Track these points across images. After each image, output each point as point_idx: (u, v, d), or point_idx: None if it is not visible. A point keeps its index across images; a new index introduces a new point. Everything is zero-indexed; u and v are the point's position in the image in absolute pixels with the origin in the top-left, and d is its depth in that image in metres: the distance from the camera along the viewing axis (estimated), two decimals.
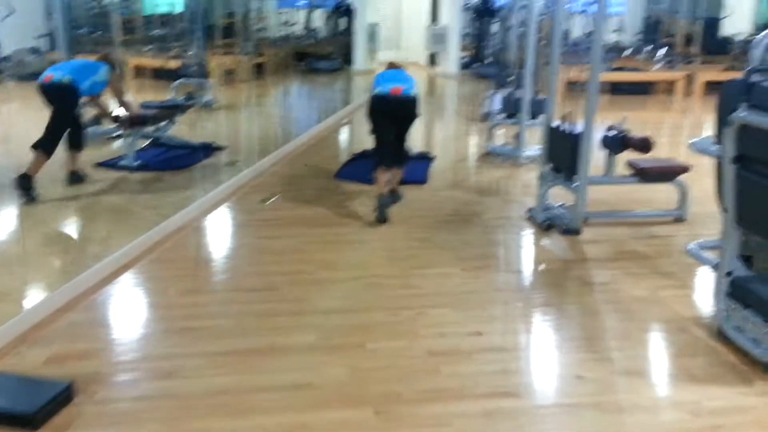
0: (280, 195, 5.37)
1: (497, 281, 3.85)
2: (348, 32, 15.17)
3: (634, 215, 4.88)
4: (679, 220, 4.84)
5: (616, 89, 12.00)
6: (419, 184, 5.93)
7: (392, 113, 5.09)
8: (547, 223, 4.63)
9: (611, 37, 14.94)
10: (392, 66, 5.66)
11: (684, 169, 4.74)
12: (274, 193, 5.40)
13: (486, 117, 8.91)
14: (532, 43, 6.32)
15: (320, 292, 3.68)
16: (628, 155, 4.81)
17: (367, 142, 7.90)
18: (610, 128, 4.81)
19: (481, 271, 3.96)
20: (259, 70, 12.79)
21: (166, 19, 13.27)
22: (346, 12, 14.93)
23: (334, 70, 14.24)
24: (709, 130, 9.35)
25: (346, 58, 14.83)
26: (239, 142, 7.17)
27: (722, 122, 3.14)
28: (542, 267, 4.05)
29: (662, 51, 12.76)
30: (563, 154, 4.65)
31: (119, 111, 5.99)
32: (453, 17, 13.78)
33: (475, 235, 4.60)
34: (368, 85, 13.06)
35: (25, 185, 5.00)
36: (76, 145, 5.60)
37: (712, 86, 11.65)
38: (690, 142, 3.32)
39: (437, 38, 14.31)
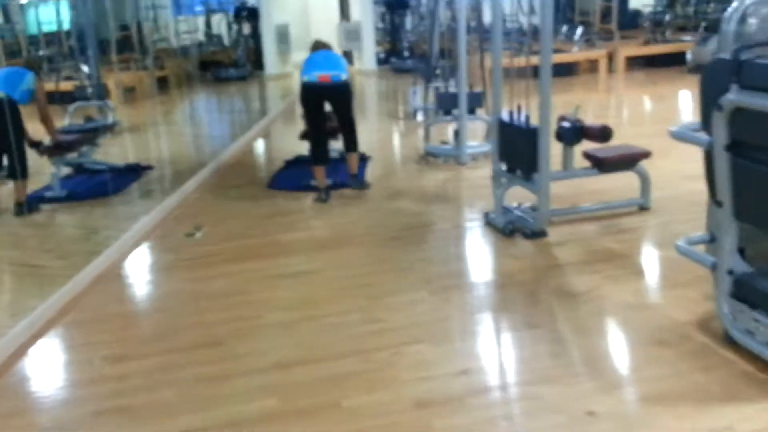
0: (204, 227, 4.77)
1: (471, 302, 3.43)
2: (254, 36, 14.46)
3: (597, 209, 4.57)
4: (643, 208, 4.56)
5: (538, 73, 11.90)
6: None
7: (324, 100, 5.18)
8: (509, 228, 4.25)
9: (524, 20, 14.89)
10: (319, 46, 5.51)
11: (644, 155, 4.46)
12: (200, 224, 4.79)
13: (414, 114, 8.54)
14: (461, 32, 5.94)
15: (273, 341, 3.15)
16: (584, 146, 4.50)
17: (298, 148, 7.41)
18: (562, 119, 4.48)
19: (450, 293, 3.53)
20: (162, 84, 11.94)
21: (53, 37, 12.21)
22: (250, 15, 14.22)
23: (243, 77, 13.51)
24: (638, 106, 9.39)
25: (256, 63, 14.12)
26: (152, 169, 6.48)
27: (709, 106, 2.81)
28: (516, 279, 3.65)
29: (579, 30, 12.75)
30: (518, 151, 4.27)
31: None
32: (364, 12, 13.33)
33: (434, 250, 4.17)
34: (283, 91, 12.50)
35: None
36: (22, 171, 5.08)
37: (632, 61, 11.75)
38: (670, 129, 2.99)
39: (350, 35, 13.83)
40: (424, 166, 6.20)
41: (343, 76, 5.16)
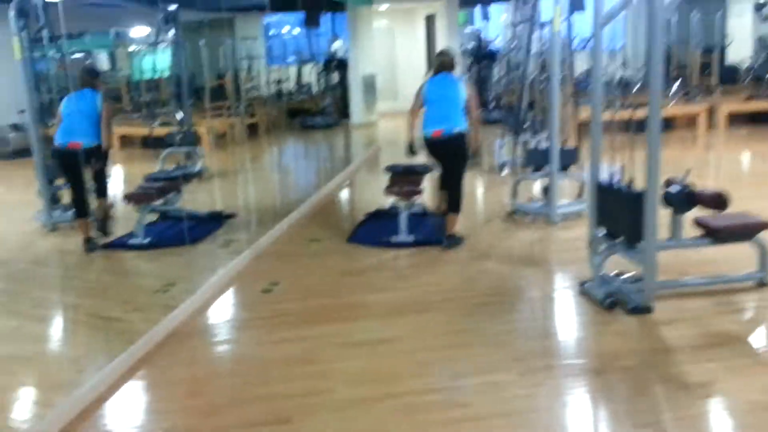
0: (281, 282, 4.59)
1: (568, 390, 3.04)
2: (342, 85, 14.61)
3: (709, 282, 4.10)
4: (762, 284, 4.06)
5: (635, 128, 11.39)
6: (437, 245, 5.21)
7: (439, 154, 5.17)
8: (609, 301, 3.84)
9: (617, 73, 14.41)
10: (441, 66, 5.19)
11: (764, 226, 3.98)
12: (277, 280, 4.61)
13: (500, 168, 8.23)
14: (554, 83, 5.63)
15: (345, 421, 2.87)
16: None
17: (379, 199, 7.23)
18: (669, 183, 4.07)
19: (543, 375, 3.16)
20: (252, 130, 12.15)
21: (153, 84, 12.70)
22: (339, 65, 14.40)
23: (330, 125, 13.62)
24: (743, 165, 8.73)
25: (342, 112, 14.23)
26: (235, 217, 6.43)
27: None
28: (618, 364, 3.24)
29: (676, 84, 12.18)
30: (620, 217, 3.89)
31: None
32: None
33: (523, 321, 3.81)
34: (367, 140, 12.48)
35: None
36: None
37: (733, 118, 11.06)
38: None
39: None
40: (512, 225, 5.86)
41: (456, 129, 4.99)
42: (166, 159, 8.30)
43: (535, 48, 16.42)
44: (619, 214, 3.90)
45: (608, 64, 9.34)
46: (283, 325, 3.88)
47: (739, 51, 13.92)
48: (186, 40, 10.27)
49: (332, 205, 7.02)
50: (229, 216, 6.37)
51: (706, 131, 10.75)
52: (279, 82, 15.08)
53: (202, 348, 3.74)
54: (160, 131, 9.91)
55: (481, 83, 14.03)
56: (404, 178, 5.61)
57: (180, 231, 5.78)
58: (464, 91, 5.14)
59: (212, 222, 6.19)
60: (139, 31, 11.95)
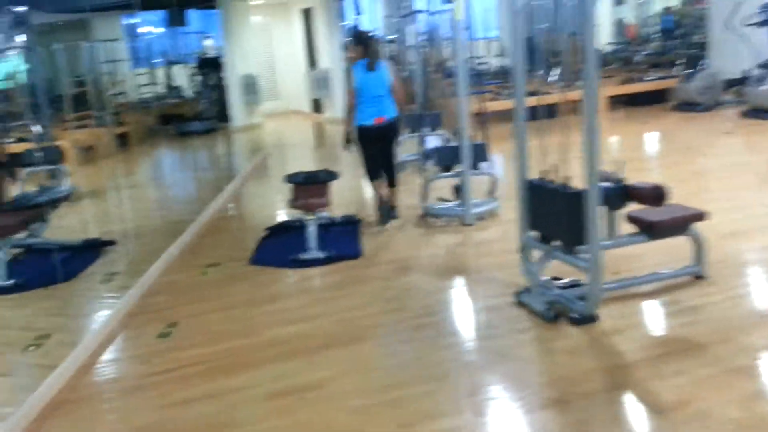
0: (178, 322, 3.95)
1: (533, 428, 2.67)
2: (218, 87, 13.77)
3: (647, 281, 3.88)
4: (699, 277, 3.90)
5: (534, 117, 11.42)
6: (352, 258, 4.77)
7: (378, 139, 5.38)
8: (552, 313, 3.53)
9: (493, 62, 14.51)
10: (366, 54, 5.29)
11: (699, 216, 3.81)
12: (174, 320, 3.96)
13: (400, 167, 7.86)
14: (462, 76, 5.29)
15: None
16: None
17: (276, 211, 6.63)
18: (601, 178, 3.81)
19: (502, 413, 2.77)
20: (122, 141, 11.12)
21: (2, 95, 11.32)
22: (213, 65, 13.54)
23: (208, 130, 12.77)
24: (637, 147, 8.83)
25: (221, 115, 13.40)
26: (114, 244, 5.64)
27: None
28: (582, 389, 2.90)
29: (556, 71, 12.36)
30: (557, 219, 3.58)
31: None
32: (333, 59, 12.74)
33: (466, 344, 3.41)
34: (253, 145, 11.75)
35: None
36: None
37: (612, 101, 11.34)
38: None
39: (319, 83, 13.22)
40: (426, 229, 5.48)
41: (394, 114, 5.38)
42: (26, 181, 7.28)
43: (411, 40, 16.21)
44: (556, 215, 3.59)
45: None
46: (189, 378, 3.27)
47: (599, 35, 14.33)
48: (39, 45, 9.19)
49: (225, 222, 6.35)
50: (107, 243, 5.58)
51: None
52: (147, 86, 14.00)
53: (90, 420, 3.06)
54: (15, 148, 8.75)
55: None
56: (308, 189, 5.09)
57: (50, 266, 4.97)
58: (390, 74, 5.38)
59: (88, 252, 5.39)
60: None
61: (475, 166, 5.49)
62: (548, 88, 11.68)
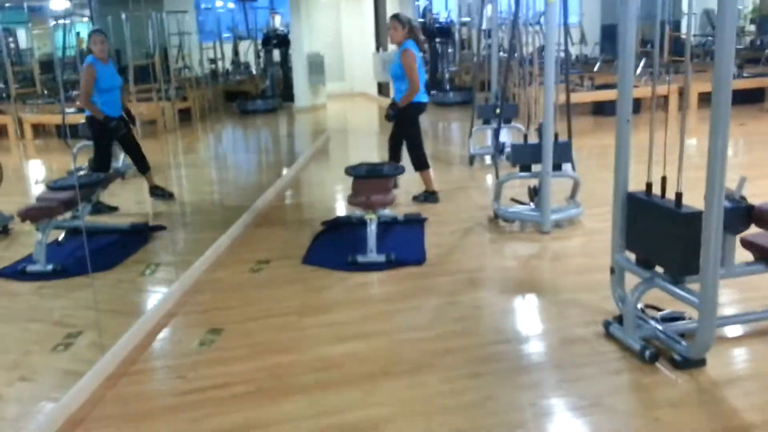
0: (222, 330, 3.57)
1: None
2: (284, 64, 13.43)
3: (761, 317, 3.29)
4: None
5: (597, 110, 10.72)
6: (415, 264, 4.31)
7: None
8: (650, 352, 2.99)
9: (572, 51, 13.72)
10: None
11: None
12: (217, 326, 3.59)
13: (471, 160, 7.34)
14: (549, 61, 4.71)
15: None
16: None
17: (334, 203, 6.22)
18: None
19: None
20: (184, 116, 10.89)
21: (70, 63, 11.24)
22: (280, 42, 13.18)
23: (271, 109, 12.45)
24: (743, 153, 8.04)
25: (285, 94, 13.07)
26: (164, 229, 5.32)
27: None
28: None
29: (642, 62, 11.52)
30: (664, 242, 3.03)
31: None
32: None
33: (547, 385, 2.90)
34: (315, 127, 11.37)
35: None
36: None
37: (704, 98, 10.49)
38: None
39: (386, 66, 12.70)
40: (497, 234, 4.97)
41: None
42: (79, 154, 7.09)
43: (485, 23, 15.52)
44: (663, 237, 3.03)
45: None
46: (227, 401, 2.87)
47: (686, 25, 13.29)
48: (107, 14, 9.00)
49: (280, 212, 5.96)
50: (156, 228, 5.28)
51: (677, 113, 10.15)
52: (213, 61, 13.78)
53: None
54: (74, 118, 8.60)
55: (435, 62, 13.10)
56: (370, 183, 4.63)
57: (93, 253, 4.67)
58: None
59: (134, 238, 5.10)
60: (58, 4, 10.53)
61: (556, 167, 4.92)
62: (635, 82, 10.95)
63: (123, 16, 10.96)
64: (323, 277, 4.24)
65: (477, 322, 3.51)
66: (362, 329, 3.48)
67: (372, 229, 4.42)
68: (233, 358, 3.23)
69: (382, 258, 4.35)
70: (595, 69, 12.55)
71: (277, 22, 13.68)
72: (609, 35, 14.41)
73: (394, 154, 5.80)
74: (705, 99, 10.50)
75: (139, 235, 5.13)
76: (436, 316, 3.60)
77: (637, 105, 10.37)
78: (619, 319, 3.27)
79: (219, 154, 9.46)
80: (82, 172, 7.10)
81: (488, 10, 16.26)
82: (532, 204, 5.15)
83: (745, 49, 13.43)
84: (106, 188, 5.39)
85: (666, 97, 10.43)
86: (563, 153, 4.94)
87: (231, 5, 15.48)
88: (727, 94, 2.65)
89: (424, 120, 11.35)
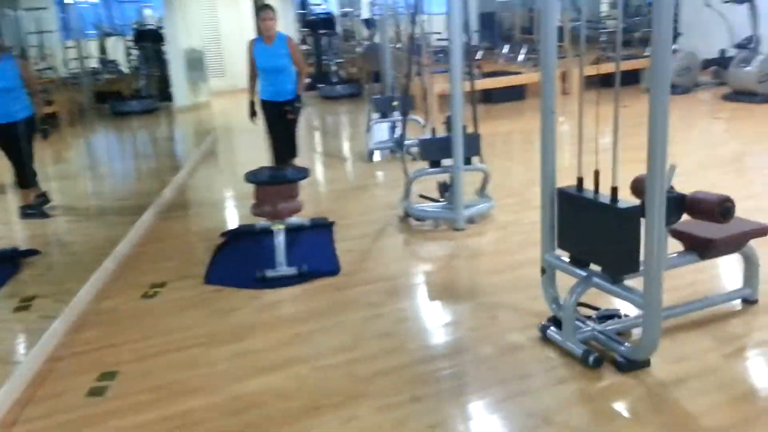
0: (118, 372, 3.09)
1: None
2: (159, 61, 12.57)
3: (692, 308, 3.23)
4: (748, 301, 3.28)
5: (486, 98, 10.76)
6: (329, 275, 3.99)
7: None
8: (593, 357, 2.83)
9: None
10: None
11: (763, 232, 3.16)
12: (111, 368, 3.11)
13: (371, 155, 7.07)
14: (456, 54, 4.50)
15: None
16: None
17: (233, 209, 5.77)
18: (638, 182, 3.12)
19: None
20: (51, 121, 9.91)
21: None
22: (153, 37, 12.31)
23: (148, 110, 11.61)
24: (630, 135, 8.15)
25: (162, 93, 12.23)
26: (37, 254, 4.68)
27: None
28: None
29: (523, 49, 11.70)
30: (598, 239, 2.87)
31: None
32: (285, 32, 11.69)
33: (492, 406, 2.67)
34: (198, 128, 10.70)
35: None
36: None
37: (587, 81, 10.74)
38: None
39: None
40: (410, 235, 4.73)
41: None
42: None
43: (366, 12, 15.23)
44: (598, 235, 2.87)
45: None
46: None
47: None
48: None
49: (171, 225, 5.40)
50: (27, 253, 4.63)
51: (562, 97, 10.35)
52: (80, 60, 12.69)
53: None
54: None
55: (319, 55, 12.72)
56: (274, 190, 4.24)
57: None
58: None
59: (3, 265, 4.43)
60: None
61: (466, 161, 4.74)
62: (516, 68, 11.07)
63: None
64: (230, 298, 3.82)
65: (405, 337, 3.24)
66: (280, 357, 3.12)
67: (280, 240, 4.04)
68: (132, 408, 2.78)
69: (293, 271, 3.98)
70: (478, 57, 12.61)
71: (149, 15, 12.80)
72: (487, 23, 14.55)
73: (291, 150, 5.42)
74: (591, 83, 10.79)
75: (8, 262, 4.48)
76: (359, 334, 3.29)
77: (521, 91, 10.52)
78: (555, 322, 3.11)
79: (93, 163, 8.64)
80: None
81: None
82: (442, 200, 4.95)
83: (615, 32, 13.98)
84: None
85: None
86: (473, 145, 4.76)
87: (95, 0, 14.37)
88: (665, 82, 2.49)
89: (312, 114, 11.04)
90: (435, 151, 4.75)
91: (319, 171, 6.96)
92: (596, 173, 2.88)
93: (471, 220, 4.78)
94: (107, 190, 6.94)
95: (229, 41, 13.90)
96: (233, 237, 4.76)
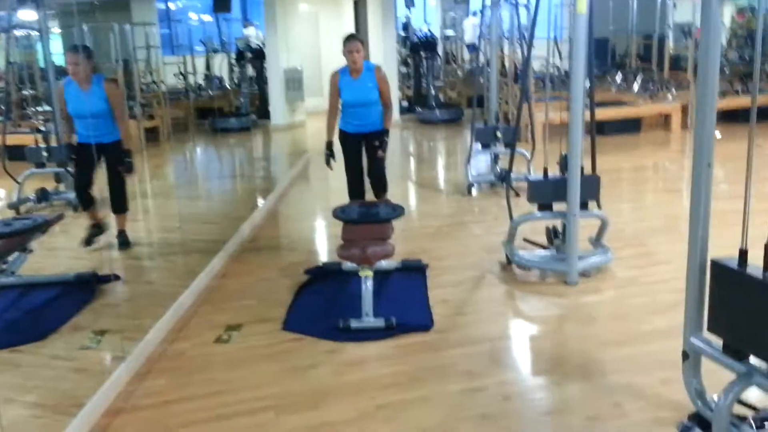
0: None
1: None
2: (260, 79, 12.58)
3: None
4: None
5: (599, 130, 10.06)
6: (421, 330, 3.52)
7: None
8: None
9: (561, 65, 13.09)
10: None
11: None
12: (173, 428, 2.75)
13: (470, 188, 6.57)
14: (577, 83, 3.96)
15: None
16: None
17: (324, 240, 5.41)
18: None
19: None
20: (151, 136, 10.00)
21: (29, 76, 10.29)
22: (256, 56, 12.35)
23: (246, 127, 11.57)
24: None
25: (261, 111, 12.21)
26: (117, 280, 4.46)
27: None
28: None
29: (638, 78, 10.92)
30: (766, 328, 2.26)
31: None
32: (386, 53, 11.46)
33: None
34: (294, 147, 10.53)
35: None
36: None
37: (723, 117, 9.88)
38: None
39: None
40: (513, 286, 4.19)
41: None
42: (26, 182, 6.21)
43: (468, 36, 14.75)
44: (766, 323, 2.27)
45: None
46: None
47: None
48: (67, 25, 8.12)
49: (255, 256, 5.06)
50: (106, 279, 4.40)
51: (681, 132, 9.54)
52: (184, 75, 12.89)
53: None
54: (21, 140, 7.63)
55: (419, 77, 12.38)
56: (364, 230, 3.82)
57: (25, 315, 3.82)
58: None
59: (78, 292, 4.22)
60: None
61: (583, 206, 4.17)
62: (630, 98, 10.29)
63: (85, 28, 10.07)
64: (309, 350, 3.41)
65: (509, 421, 2.72)
66: None
67: (368, 288, 3.61)
68: None
69: (380, 323, 3.54)
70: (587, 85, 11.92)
71: (252, 34, 12.87)
72: (599, 50, 13.79)
73: (382, 185, 4.93)
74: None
75: (84, 288, 4.26)
76: (455, 412, 2.80)
77: (637, 124, 9.74)
78: (700, 422, 2.51)
79: (187, 182, 8.56)
80: (30, 204, 6.24)
81: (471, 22, 15.62)
82: (551, 247, 4.40)
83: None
84: (45, 233, 4.50)
85: (668, 116, 9.83)
86: (590, 189, 4.18)
87: (205, 17, 14.66)
88: None
89: (407, 139, 10.67)
90: (546, 193, 4.20)
91: (412, 203, 6.52)
92: (767, 247, 2.28)
93: (584, 274, 4.20)
94: (199, 211, 6.75)
95: (329, 61, 13.80)
96: (318, 276, 4.38)
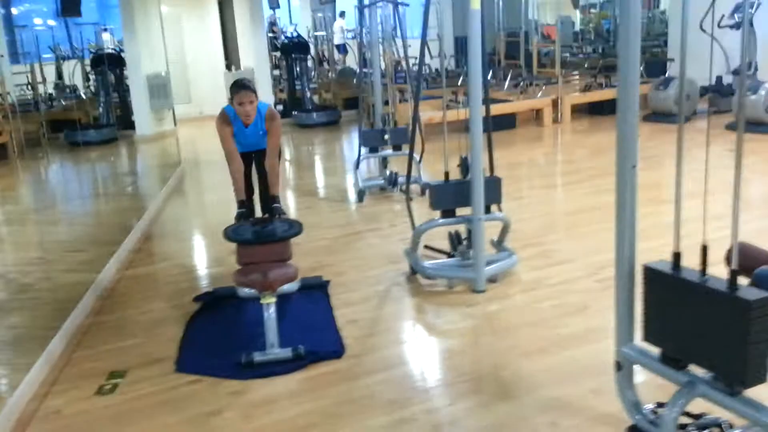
0: None
1: None
2: (119, 87, 11.71)
3: None
4: None
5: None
6: (332, 357, 3.24)
7: None
8: None
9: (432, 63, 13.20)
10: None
11: None
12: None
13: (361, 195, 6.34)
14: (475, 81, 3.82)
15: None
16: None
17: (210, 270, 4.92)
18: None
19: None
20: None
21: None
22: (114, 62, 11.47)
23: (108, 140, 10.72)
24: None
25: (123, 121, 11.36)
26: None
27: None
28: None
29: (508, 75, 11.19)
30: (708, 336, 2.18)
31: None
32: (258, 57, 11.00)
33: None
34: (163, 159, 9.84)
35: None
36: None
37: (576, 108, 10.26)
38: None
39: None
40: (422, 299, 3.99)
41: None
42: None
43: (337, 38, 14.58)
44: (709, 331, 2.18)
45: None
46: None
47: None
48: None
49: (134, 285, 4.54)
50: None
51: (552, 126, 9.86)
52: (32, 86, 11.75)
53: None
54: None
55: (293, 81, 12.02)
56: (262, 251, 3.47)
57: None
58: None
59: None
60: None
61: (487, 209, 4.04)
62: (502, 96, 10.50)
63: None
64: (209, 394, 3.02)
65: None
66: None
67: (270, 315, 3.26)
68: None
69: (287, 353, 3.21)
70: (459, 83, 12.07)
71: (108, 39, 11.97)
72: (463, 48, 14.04)
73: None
74: (579, 110, 10.31)
75: None
76: None
77: (513, 120, 9.94)
78: None
79: (46, 204, 7.71)
80: None
81: (339, 24, 15.42)
82: (455, 253, 4.25)
83: (590, 57, 13.57)
84: None
85: (539, 111, 10.11)
86: (493, 191, 4.07)
87: (51, 22, 13.48)
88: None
89: (284, 144, 10.27)
90: (448, 199, 4.03)
91: (300, 214, 6.18)
92: (704, 248, 2.20)
93: (492, 279, 4.08)
94: (60, 238, 6.03)
95: (196, 66, 13.13)
96: (209, 303, 3.97)
